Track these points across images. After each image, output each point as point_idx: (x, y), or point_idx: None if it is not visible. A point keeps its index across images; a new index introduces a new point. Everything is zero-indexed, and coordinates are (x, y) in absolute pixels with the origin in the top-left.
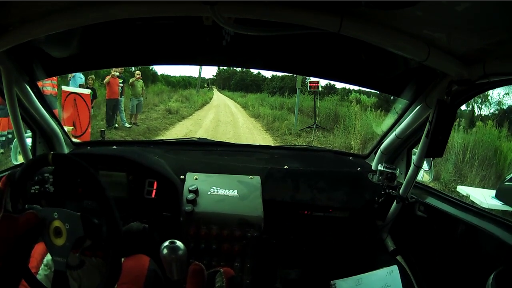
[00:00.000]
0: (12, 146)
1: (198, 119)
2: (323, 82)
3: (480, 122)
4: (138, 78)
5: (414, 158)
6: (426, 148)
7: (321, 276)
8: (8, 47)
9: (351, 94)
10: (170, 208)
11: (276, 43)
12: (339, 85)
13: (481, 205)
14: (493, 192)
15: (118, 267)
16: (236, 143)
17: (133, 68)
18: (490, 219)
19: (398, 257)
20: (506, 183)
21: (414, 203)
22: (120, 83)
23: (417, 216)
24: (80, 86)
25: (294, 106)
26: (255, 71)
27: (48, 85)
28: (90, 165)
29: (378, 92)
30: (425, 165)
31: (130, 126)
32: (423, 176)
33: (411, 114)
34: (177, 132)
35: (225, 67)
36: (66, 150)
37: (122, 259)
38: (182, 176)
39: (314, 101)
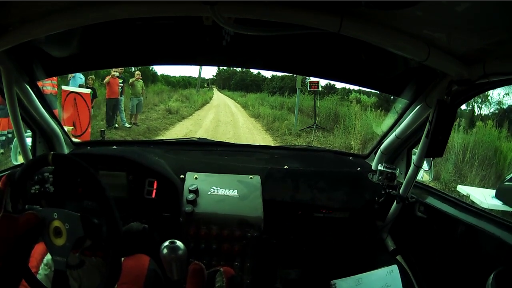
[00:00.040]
0: (12, 146)
1: (198, 119)
2: (323, 82)
3: (480, 122)
4: (138, 78)
5: (414, 158)
6: (426, 148)
7: (321, 276)
8: (8, 47)
9: (351, 94)
10: (170, 208)
11: (276, 43)
12: (339, 85)
13: (481, 205)
14: (493, 192)
15: (118, 267)
16: (236, 143)
17: (133, 68)
18: (490, 219)
19: (398, 257)
20: (506, 183)
21: (414, 203)
22: (120, 83)
23: (417, 216)
24: (80, 86)
25: (294, 106)
26: (255, 71)
27: (48, 85)
28: (90, 165)
29: (378, 92)
30: (425, 165)
31: (130, 126)
32: (423, 176)
33: (411, 114)
34: (177, 132)
35: (225, 67)
36: (66, 150)
37: (122, 259)
38: (182, 176)
39: (314, 101)
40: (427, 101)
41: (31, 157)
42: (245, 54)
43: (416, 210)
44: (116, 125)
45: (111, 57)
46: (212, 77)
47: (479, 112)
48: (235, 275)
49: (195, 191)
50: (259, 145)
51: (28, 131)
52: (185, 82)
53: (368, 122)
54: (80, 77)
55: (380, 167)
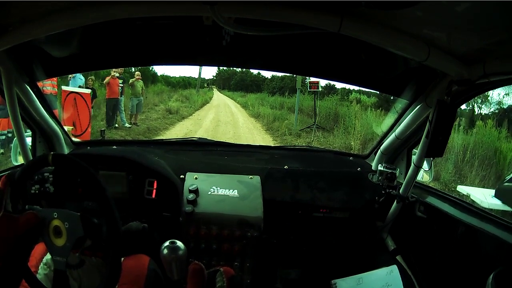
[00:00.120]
0: (12, 145)
1: (198, 119)
2: (323, 82)
3: (480, 122)
4: (138, 78)
5: (414, 158)
6: (426, 148)
7: (322, 276)
8: (8, 47)
9: (351, 94)
10: (170, 208)
11: (276, 43)
12: (339, 85)
13: (481, 205)
14: (493, 192)
15: (118, 267)
16: (236, 143)
17: (133, 69)
18: (489, 219)
19: (398, 257)
20: (506, 183)
21: (414, 203)
22: (120, 83)
23: (417, 216)
24: (80, 87)
25: (294, 106)
26: (255, 71)
27: (48, 85)
28: (90, 165)
29: (378, 92)
30: (425, 165)
31: (130, 126)
32: (423, 176)
33: (411, 114)
34: (177, 132)
35: (225, 68)
36: (66, 150)
37: (122, 259)
38: (182, 176)
39: (314, 101)
40: (427, 101)
41: (31, 157)
42: (245, 54)
43: (416, 210)
44: (116, 125)
45: (111, 57)
46: (212, 77)
47: (479, 112)
48: (235, 275)
49: (195, 191)
50: (259, 145)
51: (28, 131)
52: (185, 83)
53: (368, 122)
54: (80, 78)
55: (380, 167)
